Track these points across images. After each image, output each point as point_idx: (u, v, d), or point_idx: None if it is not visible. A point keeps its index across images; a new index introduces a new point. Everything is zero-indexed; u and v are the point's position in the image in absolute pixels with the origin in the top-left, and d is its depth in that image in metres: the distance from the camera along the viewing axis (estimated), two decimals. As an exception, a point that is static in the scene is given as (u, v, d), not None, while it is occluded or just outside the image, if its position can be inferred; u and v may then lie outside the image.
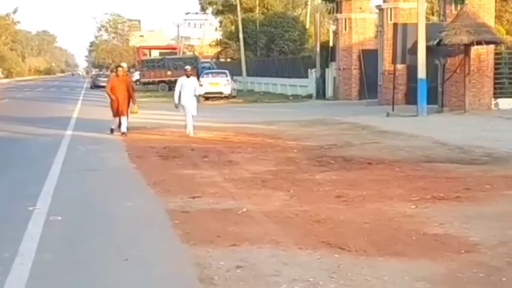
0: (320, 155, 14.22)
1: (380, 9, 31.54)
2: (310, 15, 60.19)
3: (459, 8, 23.89)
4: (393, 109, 24.26)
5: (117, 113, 18.94)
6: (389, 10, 30.55)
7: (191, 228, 7.91)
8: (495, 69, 24.88)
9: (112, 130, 19.09)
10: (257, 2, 59.39)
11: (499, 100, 24.83)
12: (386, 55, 30.01)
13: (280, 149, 15.56)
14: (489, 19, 23.93)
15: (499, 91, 25.07)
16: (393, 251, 6.72)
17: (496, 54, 24.89)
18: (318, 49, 40.05)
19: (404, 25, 24.82)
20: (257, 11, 60.38)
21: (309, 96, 39.93)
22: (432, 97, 24.40)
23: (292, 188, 10.30)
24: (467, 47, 23.27)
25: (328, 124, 21.68)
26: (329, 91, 38.74)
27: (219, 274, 6.11)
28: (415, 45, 23.32)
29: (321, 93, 39.43)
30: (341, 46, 36.26)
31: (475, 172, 11.35)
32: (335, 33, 38.07)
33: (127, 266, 6.49)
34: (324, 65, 39.66)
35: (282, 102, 37.57)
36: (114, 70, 21.33)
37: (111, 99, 19.06)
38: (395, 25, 25.38)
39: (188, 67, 20.07)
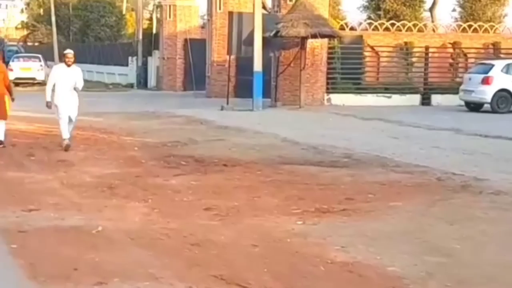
0: (165, 154, 12.70)
1: (208, -4, 30.26)
2: (130, 1, 58.02)
3: (294, -1, 23.16)
4: (227, 103, 23.12)
5: None
6: (218, -2, 29.37)
7: (36, 256, 6.19)
8: (328, 64, 24.47)
9: None
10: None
11: (332, 96, 24.47)
12: (215, 45, 28.88)
13: (117, 146, 13.85)
14: (323, 11, 23.43)
15: (332, 87, 24.70)
16: (306, 288, 5.43)
17: (329, 48, 24.48)
18: (140, 36, 38.14)
19: (240, 14, 23.72)
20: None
21: (130, 86, 37.94)
22: (265, 91, 23.52)
23: (149, 198, 8.74)
24: (303, 40, 22.60)
25: (161, 117, 20.12)
26: (152, 81, 37.03)
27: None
28: (250, 35, 22.29)
29: (142, 83, 37.63)
30: (165, 34, 34.65)
31: (344, 178, 10.36)
32: (159, 20, 36.36)
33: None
34: (147, 53, 37.87)
35: (102, 91, 35.30)
36: None
37: None
38: (230, 13, 24.20)
39: (69, 52, 13.34)
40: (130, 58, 39.31)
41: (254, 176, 10.49)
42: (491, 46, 29.34)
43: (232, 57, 27.30)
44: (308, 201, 8.61)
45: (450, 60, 28.97)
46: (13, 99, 13.98)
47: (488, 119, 20.13)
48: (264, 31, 22.07)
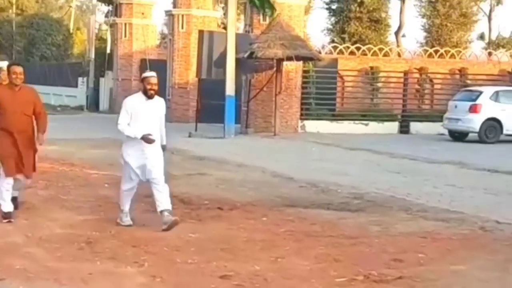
0: (144, 193, 10.69)
1: (170, 15, 28.30)
2: (74, 20, 55.79)
3: (267, 18, 21.46)
4: (196, 129, 21.24)
5: (16, 169, 8.51)
6: (180, 17, 27.45)
7: None
8: (302, 88, 22.84)
9: (8, 216, 8.41)
10: (11, 2, 53.63)
11: (306, 122, 22.82)
12: (177, 66, 27.05)
13: (83, 183, 11.84)
14: (299, 32, 21.79)
15: (306, 113, 23.06)
16: None
17: (303, 72, 22.85)
18: (92, 55, 35.96)
19: (211, 33, 21.93)
20: (10, 11, 54.69)
21: (80, 108, 35.70)
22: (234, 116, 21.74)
23: (143, 259, 6.80)
24: (278, 62, 20.92)
25: (124, 145, 18.05)
26: (104, 103, 34.82)
27: None
28: (222, 56, 20.49)
29: (93, 105, 35.41)
30: (119, 54, 32.63)
31: (371, 227, 8.60)
32: (114, 39, 34.26)
33: None
34: (99, 74, 35.69)
35: (50, 113, 32.65)
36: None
37: None
38: (200, 32, 22.34)
39: (152, 74, 8.06)
40: (80, 78, 37.07)
41: (261, 225, 8.65)
42: (457, 72, 28.45)
43: (195, 79, 25.62)
44: (346, 263, 6.81)
45: (417, 86, 27.90)
46: (41, 140, 8.66)
47: (481, 150, 18.71)
48: (236, 52, 20.31)
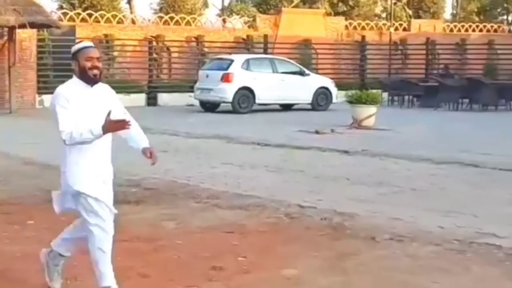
0: None
1: None
2: None
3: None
4: None
5: None
6: None
7: None
8: (38, 59, 20.63)
9: None
10: None
11: (44, 97, 20.67)
12: None
13: None
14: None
15: (43, 86, 20.89)
16: None
17: (38, 41, 20.63)
18: None
19: None
20: None
21: None
22: None
23: None
24: (11, 30, 18.53)
25: None
26: None
27: None
28: None
29: None
30: None
31: (164, 224, 7.37)
32: None
33: None
34: None
35: None
36: None
37: None
38: None
39: (88, 45, 4.73)
40: None
41: (32, 231, 6.99)
42: (194, 40, 28.00)
43: None
44: (157, 278, 5.52)
45: (154, 55, 26.92)
46: None
47: (239, 121, 18.11)
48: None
